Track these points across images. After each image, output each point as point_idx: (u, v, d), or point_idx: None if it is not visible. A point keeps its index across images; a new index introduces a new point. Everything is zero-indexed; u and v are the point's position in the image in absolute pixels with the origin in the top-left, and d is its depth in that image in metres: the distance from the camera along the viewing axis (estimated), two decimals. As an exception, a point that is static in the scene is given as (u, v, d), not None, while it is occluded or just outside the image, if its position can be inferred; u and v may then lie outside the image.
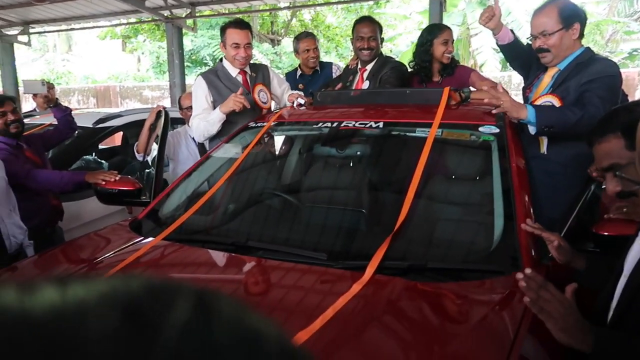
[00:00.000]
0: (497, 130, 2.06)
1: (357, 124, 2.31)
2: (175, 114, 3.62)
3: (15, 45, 8.01)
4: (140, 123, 3.17)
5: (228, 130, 2.78)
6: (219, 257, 1.79)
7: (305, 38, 3.82)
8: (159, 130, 2.75)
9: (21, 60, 12.30)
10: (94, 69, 18.12)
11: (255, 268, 1.71)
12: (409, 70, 3.13)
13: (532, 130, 2.05)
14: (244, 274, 1.71)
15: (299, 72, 3.88)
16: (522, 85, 2.55)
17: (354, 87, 3.13)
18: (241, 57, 2.88)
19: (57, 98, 3.18)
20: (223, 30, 2.93)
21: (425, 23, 7.39)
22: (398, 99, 2.58)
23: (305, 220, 2.13)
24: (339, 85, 3.22)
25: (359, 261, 1.58)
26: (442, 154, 2.19)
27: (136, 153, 3.09)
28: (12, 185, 2.50)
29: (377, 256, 1.55)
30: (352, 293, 1.40)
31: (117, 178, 2.37)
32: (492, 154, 2.00)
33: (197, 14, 7.22)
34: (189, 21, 7.27)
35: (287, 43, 15.55)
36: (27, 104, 9.04)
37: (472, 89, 2.69)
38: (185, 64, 8.11)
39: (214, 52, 14.86)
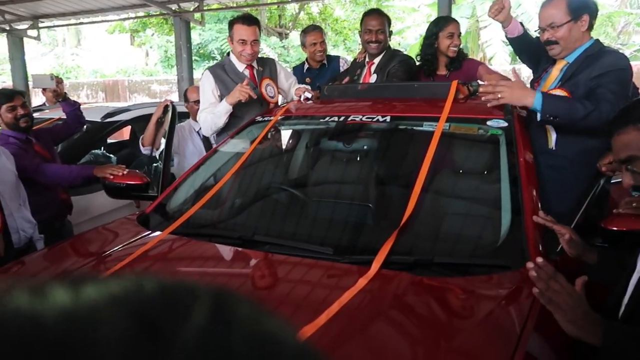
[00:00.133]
0: (505, 124, 2.04)
1: (364, 118, 2.31)
2: (182, 108, 3.63)
3: (25, 39, 8.07)
4: (148, 117, 3.18)
5: (235, 124, 2.78)
6: (226, 251, 1.80)
7: (312, 31, 3.80)
8: (166, 125, 2.76)
9: (31, 54, 12.36)
10: (103, 63, 18.21)
11: (261, 262, 1.71)
12: (417, 63, 3.11)
13: (539, 116, 2.04)
14: (250, 268, 1.72)
15: (306, 66, 3.87)
16: (532, 78, 2.53)
17: (361, 81, 3.12)
18: (247, 53, 2.87)
19: (65, 92, 3.19)
20: (231, 24, 2.93)
21: (434, 16, 7.33)
22: (406, 93, 2.57)
23: (311, 215, 2.13)
24: (347, 79, 3.21)
25: (365, 256, 1.58)
26: (449, 148, 2.18)
27: (141, 146, 3.09)
28: (22, 179, 2.52)
29: (384, 251, 1.55)
30: (358, 288, 1.40)
31: (125, 172, 2.38)
32: (499, 148, 1.99)
33: (205, 8, 7.22)
34: (197, 15, 7.28)
35: (295, 36, 15.51)
36: (37, 99, 9.11)
37: (480, 82, 2.67)
38: (193, 57, 8.12)
39: (221, 45, 14.85)
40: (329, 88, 2.82)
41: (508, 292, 1.42)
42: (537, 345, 1.27)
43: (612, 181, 1.93)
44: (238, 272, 1.73)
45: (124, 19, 11.37)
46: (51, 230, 2.71)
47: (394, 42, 13.23)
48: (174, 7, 6.90)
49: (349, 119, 2.33)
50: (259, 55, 3.05)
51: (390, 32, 3.18)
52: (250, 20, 2.92)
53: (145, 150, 3.07)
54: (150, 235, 1.91)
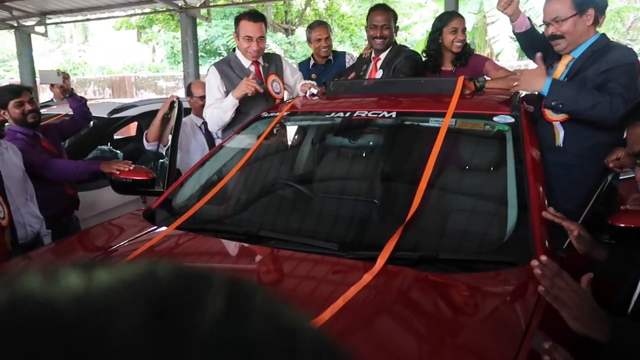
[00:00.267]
0: (512, 120, 2.03)
1: (370, 114, 2.30)
2: (186, 104, 3.63)
3: (33, 36, 8.10)
4: (155, 113, 3.19)
5: (241, 120, 2.78)
6: (231, 246, 1.80)
7: (318, 27, 3.79)
8: (173, 121, 2.77)
9: (38, 51, 12.45)
10: (110, 60, 18.28)
11: (267, 258, 1.72)
12: (423, 59, 3.10)
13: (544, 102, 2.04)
14: (255, 264, 1.72)
15: (311, 62, 3.86)
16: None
17: (367, 77, 3.11)
18: (253, 50, 2.87)
19: (72, 88, 3.21)
20: (237, 20, 2.93)
21: (440, 11, 7.28)
22: (412, 89, 2.56)
23: (317, 211, 2.13)
24: (352, 75, 3.20)
25: (371, 251, 1.58)
26: (455, 144, 2.17)
27: (145, 142, 3.10)
28: (29, 175, 2.54)
29: (389, 247, 1.55)
30: (362, 283, 1.39)
31: (131, 168, 2.39)
32: (506, 144, 1.97)
33: (211, 4, 7.23)
34: (203, 11, 7.28)
35: (301, 32, 15.50)
36: (44, 95, 9.16)
37: (487, 78, 2.65)
38: (200, 54, 8.14)
39: (228, 42, 14.85)
40: (335, 84, 2.81)
41: (514, 289, 1.41)
42: (542, 342, 1.26)
43: (619, 177, 1.92)
44: (243, 267, 1.73)
45: (131, 15, 11.42)
46: (58, 225, 2.73)
47: (401, 38, 13.16)
48: (180, 3, 6.90)
49: (355, 115, 2.32)
50: (265, 51, 3.04)
51: (397, 28, 3.17)
52: (256, 16, 2.91)
53: (148, 146, 3.08)
54: (156, 231, 1.92)
